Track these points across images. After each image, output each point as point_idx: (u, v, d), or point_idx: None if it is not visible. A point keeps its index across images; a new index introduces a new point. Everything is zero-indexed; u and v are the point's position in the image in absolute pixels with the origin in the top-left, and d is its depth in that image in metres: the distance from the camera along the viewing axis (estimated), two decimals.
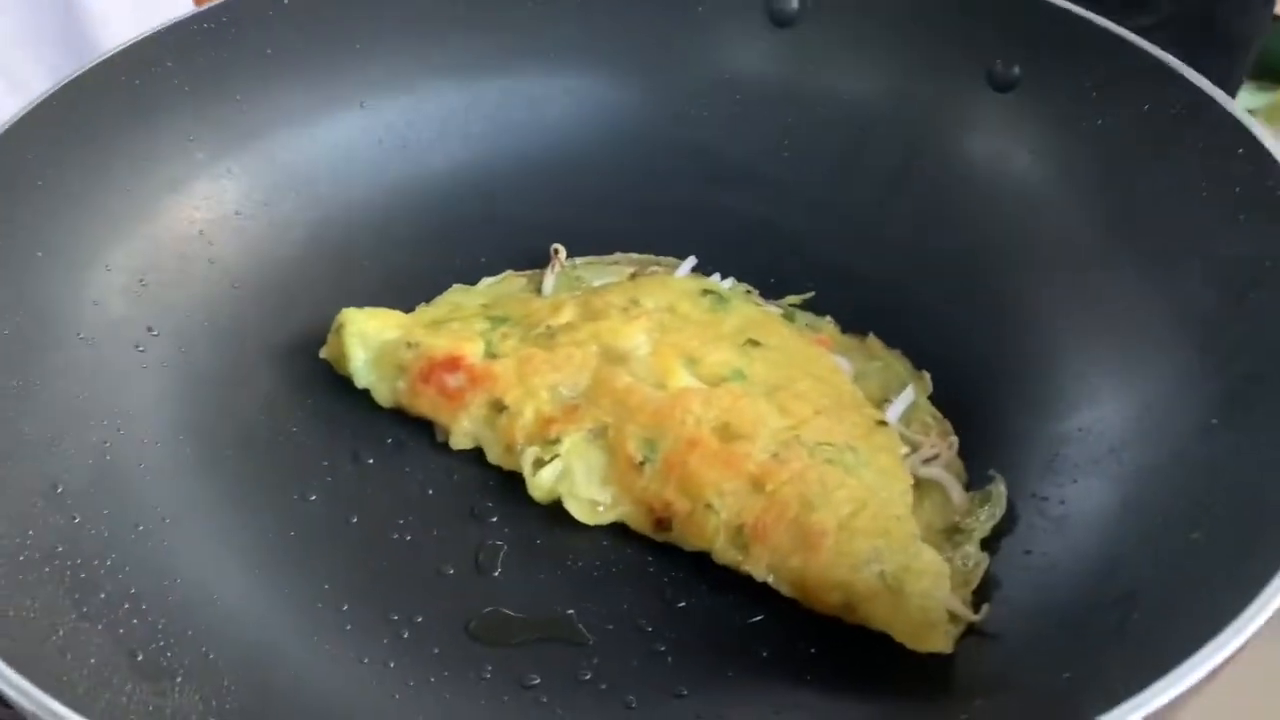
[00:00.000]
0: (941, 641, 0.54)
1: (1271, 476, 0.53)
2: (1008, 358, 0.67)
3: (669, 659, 0.57)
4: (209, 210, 0.71)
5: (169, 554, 0.58)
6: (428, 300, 0.73)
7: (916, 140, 0.75)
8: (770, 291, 0.74)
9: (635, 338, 0.67)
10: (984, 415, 0.66)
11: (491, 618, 0.59)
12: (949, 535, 0.61)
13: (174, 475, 0.62)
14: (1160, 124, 0.65)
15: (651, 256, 0.77)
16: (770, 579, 0.58)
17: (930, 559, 0.56)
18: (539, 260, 0.76)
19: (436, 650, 0.57)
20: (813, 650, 0.57)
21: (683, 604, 0.60)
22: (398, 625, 0.58)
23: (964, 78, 0.73)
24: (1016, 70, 0.71)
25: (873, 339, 0.72)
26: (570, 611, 0.59)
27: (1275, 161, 0.58)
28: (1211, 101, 0.62)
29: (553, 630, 0.58)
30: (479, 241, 0.76)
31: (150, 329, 0.67)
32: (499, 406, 0.65)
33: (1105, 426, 0.62)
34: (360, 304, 0.69)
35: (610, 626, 0.58)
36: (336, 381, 0.68)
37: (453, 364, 0.66)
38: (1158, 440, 0.59)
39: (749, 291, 0.75)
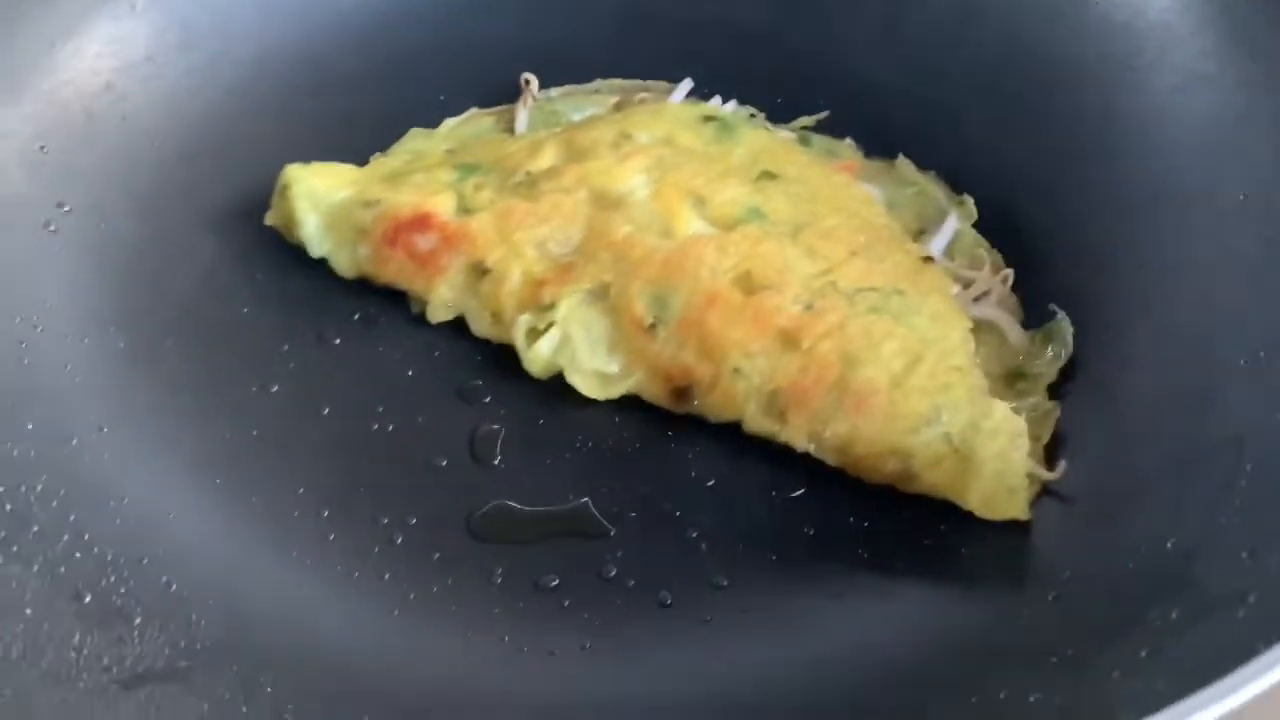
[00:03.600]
0: (1020, 508, 0.48)
1: None
2: (1060, 173, 0.59)
3: (703, 546, 0.51)
4: (115, 58, 0.63)
5: (110, 470, 0.51)
6: (383, 149, 0.64)
7: None
8: (778, 114, 0.66)
9: (631, 178, 0.58)
10: (1036, 242, 0.58)
11: (496, 513, 0.52)
12: (1010, 383, 0.54)
13: (106, 375, 0.55)
14: None
15: (638, 82, 0.69)
16: (812, 448, 0.52)
17: (1002, 415, 0.49)
18: (508, 94, 0.67)
19: (437, 555, 0.51)
20: (866, 524, 0.51)
21: (712, 482, 0.53)
22: (389, 530, 0.51)
23: None
24: None
25: (902, 161, 0.63)
26: (585, 499, 0.53)
27: None
28: None
29: (568, 522, 0.52)
30: (437, 76, 0.67)
31: (60, 204, 0.59)
32: (480, 270, 0.57)
33: (1184, 234, 0.53)
34: (306, 158, 0.61)
35: (633, 513, 0.52)
36: (288, 251, 0.60)
37: (421, 222, 0.57)
38: (1248, 243, 0.51)
39: (754, 115, 0.66)
